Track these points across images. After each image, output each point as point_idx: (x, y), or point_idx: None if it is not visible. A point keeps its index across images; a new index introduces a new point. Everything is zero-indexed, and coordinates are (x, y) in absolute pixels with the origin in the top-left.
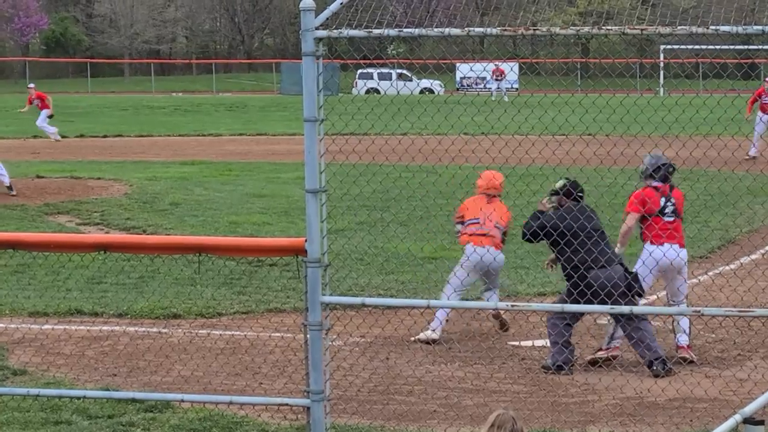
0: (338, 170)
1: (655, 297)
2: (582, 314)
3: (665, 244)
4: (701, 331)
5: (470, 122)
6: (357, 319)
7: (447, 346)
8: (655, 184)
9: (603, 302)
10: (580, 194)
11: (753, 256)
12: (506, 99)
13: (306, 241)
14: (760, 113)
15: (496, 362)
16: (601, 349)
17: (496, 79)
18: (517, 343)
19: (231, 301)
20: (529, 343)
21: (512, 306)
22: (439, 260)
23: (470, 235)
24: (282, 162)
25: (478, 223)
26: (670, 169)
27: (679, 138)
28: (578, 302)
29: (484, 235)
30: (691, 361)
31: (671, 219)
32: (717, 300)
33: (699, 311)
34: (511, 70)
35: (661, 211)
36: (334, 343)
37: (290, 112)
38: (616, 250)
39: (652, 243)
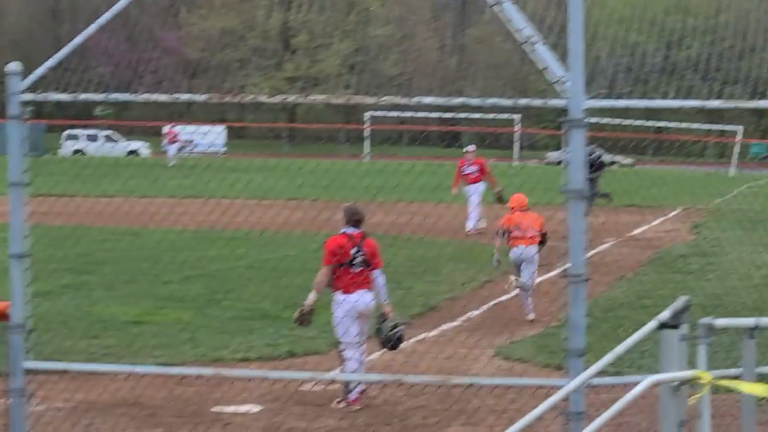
0: (44, 233)
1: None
2: None
3: (354, 292)
4: (403, 397)
5: (178, 185)
6: (60, 384)
7: (150, 411)
8: (348, 231)
9: None
10: None
11: (453, 323)
12: (173, 163)
13: (9, 305)
14: (468, 185)
15: (200, 428)
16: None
17: (170, 142)
18: (220, 409)
19: None
20: (232, 408)
21: (216, 373)
22: (145, 324)
23: (514, 239)
24: None
25: (520, 230)
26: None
27: (384, 205)
28: None
29: (522, 237)
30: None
31: (359, 270)
32: (418, 367)
33: (400, 379)
34: (219, 134)
35: (351, 262)
36: (36, 408)
37: None
38: (310, 296)
39: (343, 293)
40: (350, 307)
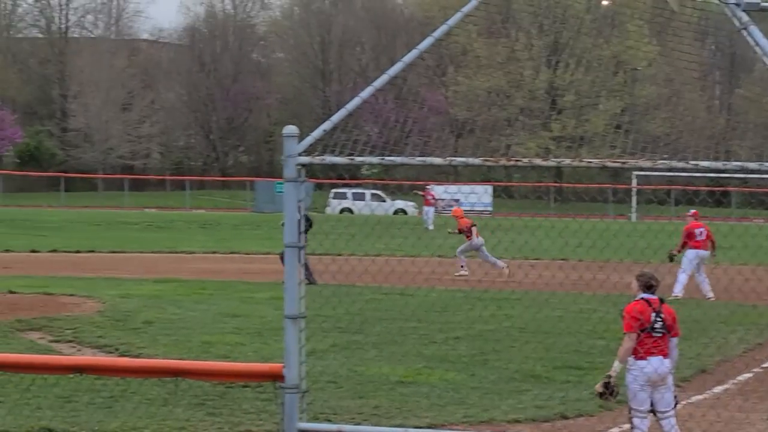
0: (311, 290)
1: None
2: None
3: (650, 358)
4: None
5: (440, 246)
6: None
7: None
8: (646, 296)
9: None
10: None
11: (724, 386)
12: (431, 227)
13: (284, 366)
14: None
15: None
16: None
17: (427, 204)
18: None
19: (204, 422)
20: None
21: None
22: (413, 384)
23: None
24: (255, 282)
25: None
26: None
27: (650, 263)
28: None
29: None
30: None
31: (660, 335)
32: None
33: None
34: (483, 193)
35: (652, 327)
36: None
37: (264, 231)
38: (615, 366)
39: (639, 358)
40: (648, 373)
